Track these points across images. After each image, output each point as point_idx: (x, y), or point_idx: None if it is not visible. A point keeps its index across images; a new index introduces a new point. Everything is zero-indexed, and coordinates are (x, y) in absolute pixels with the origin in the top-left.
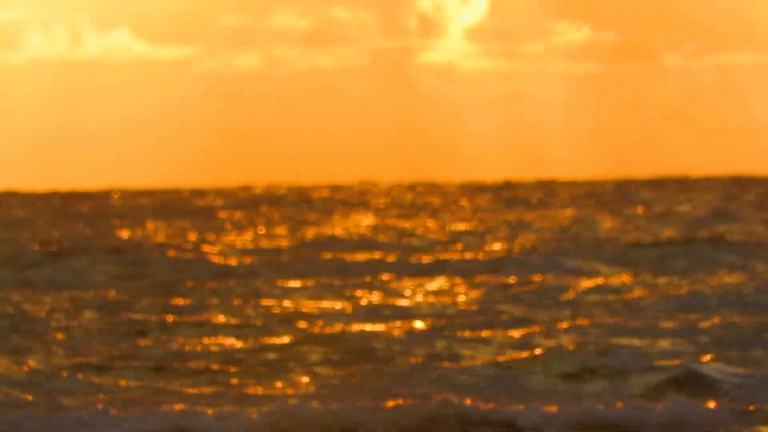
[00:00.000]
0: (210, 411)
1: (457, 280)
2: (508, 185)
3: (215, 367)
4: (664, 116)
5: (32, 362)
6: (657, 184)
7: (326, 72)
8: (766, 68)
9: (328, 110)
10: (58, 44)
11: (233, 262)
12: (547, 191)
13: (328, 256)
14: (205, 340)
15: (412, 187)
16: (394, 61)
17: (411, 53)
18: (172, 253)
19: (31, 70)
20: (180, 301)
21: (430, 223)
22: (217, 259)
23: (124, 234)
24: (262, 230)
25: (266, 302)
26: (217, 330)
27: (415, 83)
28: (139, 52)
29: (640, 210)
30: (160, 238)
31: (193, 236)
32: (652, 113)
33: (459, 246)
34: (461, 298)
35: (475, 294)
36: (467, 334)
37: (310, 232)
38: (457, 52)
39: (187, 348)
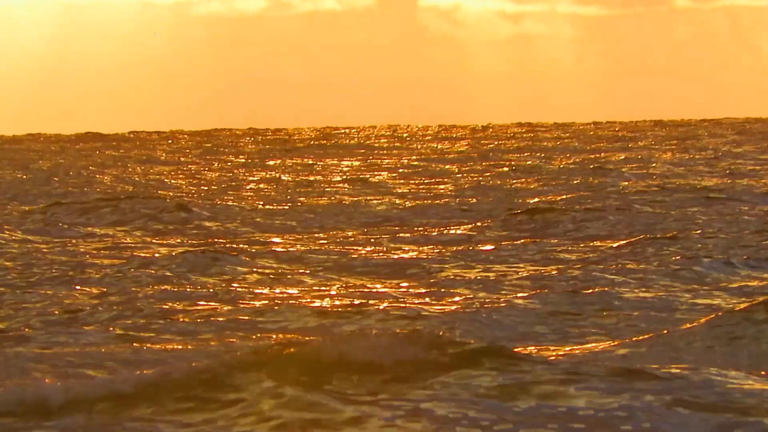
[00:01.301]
0: None
1: None
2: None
3: None
4: (674, 59)
5: None
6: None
7: (332, 14)
8: None
9: (334, 53)
10: None
11: None
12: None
13: None
14: None
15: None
16: (401, 3)
17: None
18: None
19: (31, 12)
20: None
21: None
22: None
23: None
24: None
25: None
26: None
27: (421, 25)
28: None
29: None
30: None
31: None
32: (662, 56)
33: None
34: None
35: None
36: None
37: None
38: None
39: None
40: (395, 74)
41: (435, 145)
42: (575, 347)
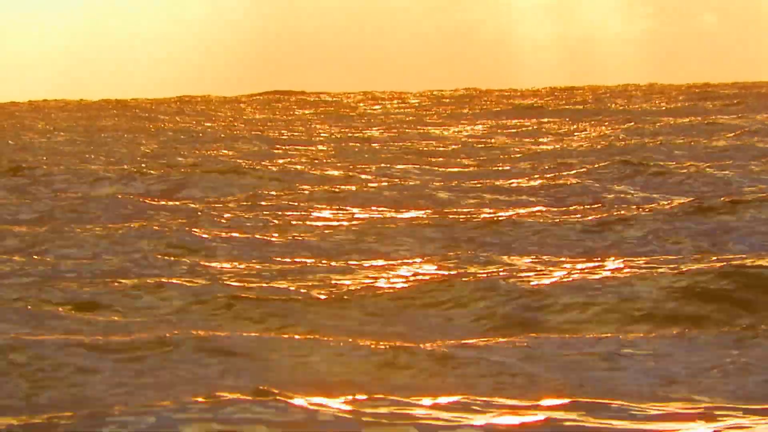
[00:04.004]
0: None
1: None
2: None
3: None
4: (720, 22)
5: None
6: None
7: None
8: None
9: (372, 15)
10: None
11: None
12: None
13: None
14: None
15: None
16: None
17: None
18: None
19: None
20: None
21: None
22: None
23: None
24: None
25: None
26: None
27: None
28: None
29: None
30: None
31: None
32: (708, 18)
33: None
34: None
35: None
36: None
37: None
38: None
39: None
40: (438, 37)
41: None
42: None
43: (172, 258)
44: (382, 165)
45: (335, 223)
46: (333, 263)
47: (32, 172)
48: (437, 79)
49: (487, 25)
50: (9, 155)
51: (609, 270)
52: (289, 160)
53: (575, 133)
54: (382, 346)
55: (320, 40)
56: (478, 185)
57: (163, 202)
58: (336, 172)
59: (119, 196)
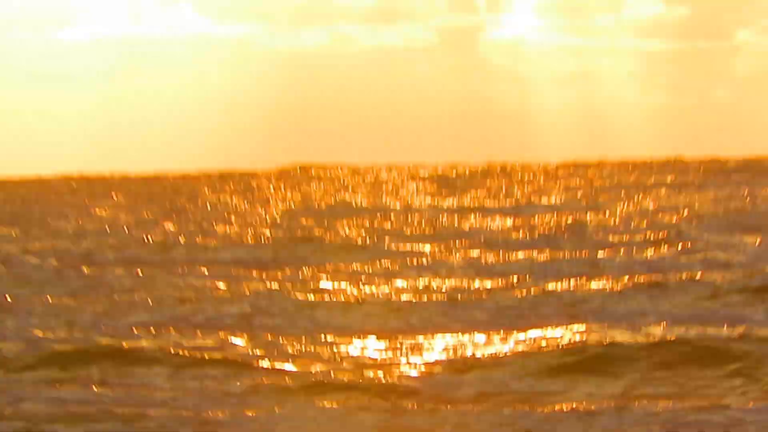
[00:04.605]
0: None
1: None
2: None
3: None
4: (736, 94)
5: None
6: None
7: (394, 49)
8: None
9: (396, 88)
10: (120, 21)
11: None
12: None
13: None
14: None
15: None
16: (462, 38)
17: (479, 30)
18: None
19: (88, 47)
20: None
21: None
22: None
23: None
24: None
25: None
26: None
27: (483, 60)
28: (202, 29)
29: None
30: None
31: None
32: (724, 91)
33: None
34: None
35: None
36: None
37: None
38: (525, 28)
39: None
40: (457, 108)
41: None
42: None
43: None
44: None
45: None
46: None
47: None
48: (455, 150)
49: (506, 96)
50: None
51: None
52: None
53: None
54: None
55: (337, 111)
56: None
57: None
58: None
59: None
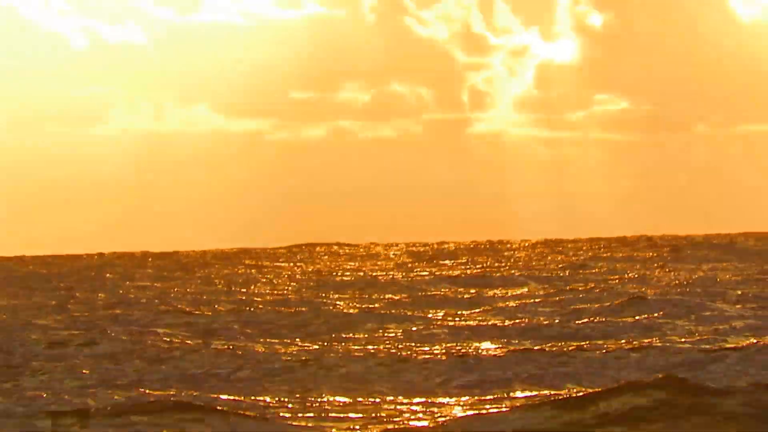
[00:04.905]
0: None
1: None
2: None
3: None
4: (694, 180)
5: None
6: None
7: (387, 140)
8: None
9: (388, 174)
10: (142, 118)
11: None
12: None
13: None
14: None
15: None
16: (449, 130)
17: (463, 124)
18: None
19: (117, 141)
20: None
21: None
22: None
23: None
24: None
25: None
26: None
27: (467, 151)
28: (217, 125)
29: None
30: None
31: None
32: (684, 177)
33: None
34: None
35: None
36: None
37: None
38: (505, 122)
39: None
40: (445, 192)
41: None
42: None
43: None
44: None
45: None
46: None
47: None
48: (445, 229)
49: (487, 180)
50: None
51: None
52: None
53: None
54: None
55: (338, 195)
56: None
57: None
58: None
59: None
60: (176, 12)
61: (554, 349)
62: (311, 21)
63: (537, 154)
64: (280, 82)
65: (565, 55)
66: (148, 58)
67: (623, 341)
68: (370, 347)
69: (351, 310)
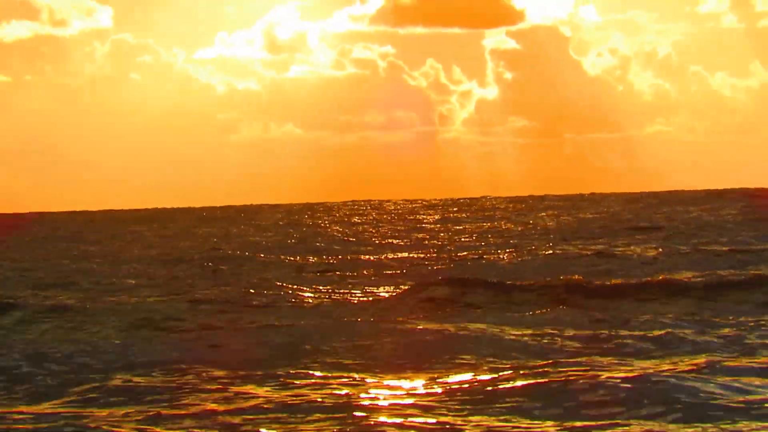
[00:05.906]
0: None
1: None
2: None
3: None
4: (565, 167)
5: None
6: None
7: (393, 143)
8: (616, 142)
9: (394, 159)
10: (256, 131)
11: None
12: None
13: None
14: None
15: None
16: (426, 138)
17: (435, 134)
18: None
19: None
20: None
21: None
22: None
23: None
24: None
25: None
26: None
27: (437, 149)
28: (297, 135)
29: None
30: None
31: None
32: (559, 166)
33: None
34: None
35: None
36: None
37: None
38: (459, 133)
39: None
40: (422, 172)
41: None
42: None
43: None
44: None
45: None
46: None
47: None
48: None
49: (448, 166)
50: None
51: None
52: None
53: None
54: None
55: None
56: None
57: None
58: None
59: None
60: (277, 71)
61: None
62: (348, 77)
63: (476, 151)
64: (331, 110)
65: (491, 95)
66: (260, 98)
67: None
68: None
69: None
